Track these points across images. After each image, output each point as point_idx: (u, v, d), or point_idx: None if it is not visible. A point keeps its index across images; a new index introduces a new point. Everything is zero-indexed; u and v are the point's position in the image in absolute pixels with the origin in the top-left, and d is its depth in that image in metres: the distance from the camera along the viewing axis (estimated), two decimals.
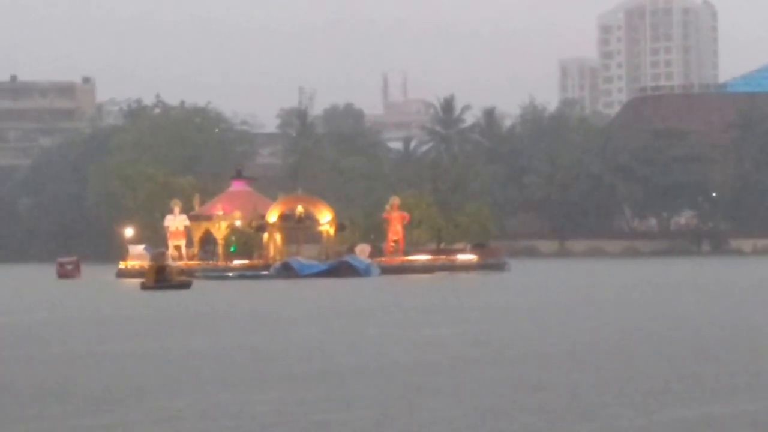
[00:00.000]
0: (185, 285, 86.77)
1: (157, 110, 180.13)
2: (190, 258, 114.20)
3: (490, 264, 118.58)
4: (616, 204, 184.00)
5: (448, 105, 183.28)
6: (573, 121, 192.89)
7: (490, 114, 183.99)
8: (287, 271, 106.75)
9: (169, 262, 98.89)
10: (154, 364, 35.71)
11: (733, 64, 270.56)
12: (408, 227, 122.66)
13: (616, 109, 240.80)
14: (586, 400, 25.43)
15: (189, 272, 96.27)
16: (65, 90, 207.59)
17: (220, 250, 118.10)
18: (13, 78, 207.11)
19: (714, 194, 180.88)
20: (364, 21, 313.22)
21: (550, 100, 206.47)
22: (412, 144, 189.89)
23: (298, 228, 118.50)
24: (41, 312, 64.20)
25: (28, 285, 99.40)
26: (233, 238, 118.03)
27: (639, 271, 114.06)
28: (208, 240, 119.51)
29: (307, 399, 26.70)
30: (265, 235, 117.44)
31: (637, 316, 54.10)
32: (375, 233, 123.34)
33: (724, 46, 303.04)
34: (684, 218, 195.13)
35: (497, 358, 34.77)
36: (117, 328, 51.67)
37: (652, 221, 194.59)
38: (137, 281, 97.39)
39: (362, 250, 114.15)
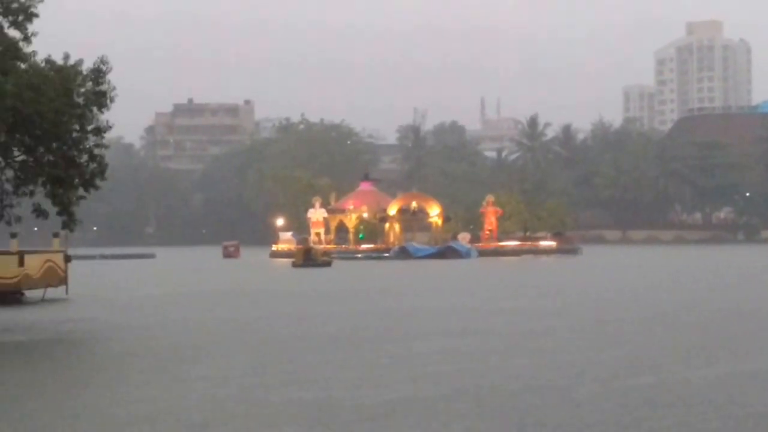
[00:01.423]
0: (327, 264, 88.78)
1: (301, 126, 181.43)
2: (327, 243, 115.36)
3: (566, 249, 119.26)
4: (668, 202, 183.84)
5: (533, 122, 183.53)
6: (634, 136, 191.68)
7: (567, 130, 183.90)
8: (404, 253, 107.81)
9: (313, 245, 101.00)
10: (342, 321, 36.94)
11: (763, 90, 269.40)
12: (500, 219, 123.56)
13: (669, 125, 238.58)
14: (648, 358, 27.01)
15: (327, 254, 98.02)
16: (230, 110, 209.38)
17: (350, 236, 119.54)
18: (190, 101, 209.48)
19: (748, 194, 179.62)
20: (468, 58, 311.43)
21: (615, 119, 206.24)
22: (504, 153, 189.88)
23: (412, 219, 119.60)
24: (227, 283, 65.76)
25: (201, 263, 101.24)
26: (361, 227, 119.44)
27: (687, 256, 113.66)
28: (341, 228, 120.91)
29: (460, 349, 28.50)
30: (386, 225, 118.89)
31: (685, 289, 54.34)
32: (474, 224, 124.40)
33: (757, 75, 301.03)
34: (723, 213, 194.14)
35: (575, 325, 35.26)
36: (293, 297, 52.58)
37: (698, 215, 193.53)
38: (287, 260, 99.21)
39: (464, 237, 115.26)
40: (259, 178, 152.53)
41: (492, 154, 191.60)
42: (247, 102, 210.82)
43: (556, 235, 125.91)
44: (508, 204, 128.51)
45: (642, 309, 42.01)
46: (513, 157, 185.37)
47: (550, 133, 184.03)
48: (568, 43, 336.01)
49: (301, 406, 19.93)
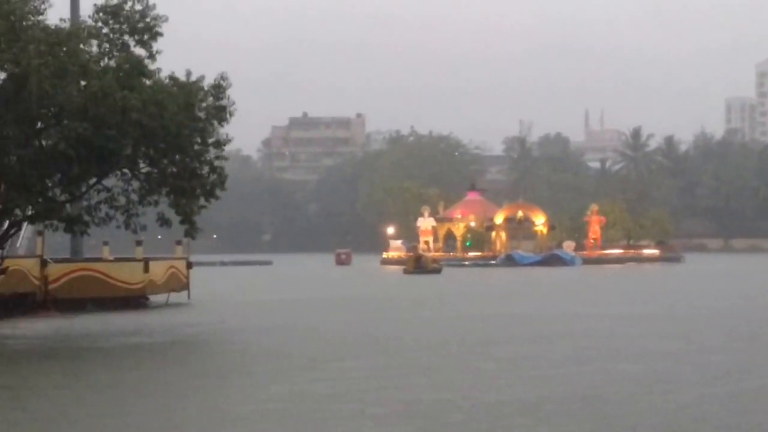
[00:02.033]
0: (437, 271, 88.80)
1: (411, 138, 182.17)
2: (436, 251, 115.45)
3: (669, 257, 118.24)
4: None
5: (636, 133, 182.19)
6: (735, 146, 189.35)
7: (669, 141, 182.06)
8: (509, 261, 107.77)
9: (423, 253, 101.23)
10: (452, 325, 37.10)
11: None
12: (604, 228, 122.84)
13: None
14: (747, 363, 26.63)
15: (437, 261, 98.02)
16: (342, 123, 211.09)
17: (458, 244, 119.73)
18: (305, 114, 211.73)
19: None
20: (572, 72, 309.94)
21: (717, 130, 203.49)
22: (608, 164, 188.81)
23: (518, 228, 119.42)
24: (345, 289, 66.05)
25: (315, 270, 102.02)
26: (468, 236, 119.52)
27: None
28: (449, 237, 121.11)
29: (564, 352, 28.33)
30: (493, 234, 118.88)
31: None
32: (578, 232, 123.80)
33: None
34: None
35: (679, 330, 34.90)
36: (407, 302, 52.60)
37: None
38: (397, 267, 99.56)
39: (568, 246, 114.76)
40: (371, 189, 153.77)
41: (596, 165, 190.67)
42: (358, 115, 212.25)
43: (659, 244, 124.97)
44: (612, 213, 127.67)
45: (745, 316, 41.32)
46: (616, 167, 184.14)
47: (653, 144, 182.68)
48: (670, 57, 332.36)
49: (418, 406, 19.90)
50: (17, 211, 40.15)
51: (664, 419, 18.32)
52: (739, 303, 49.73)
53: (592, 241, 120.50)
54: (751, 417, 18.35)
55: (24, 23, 38.79)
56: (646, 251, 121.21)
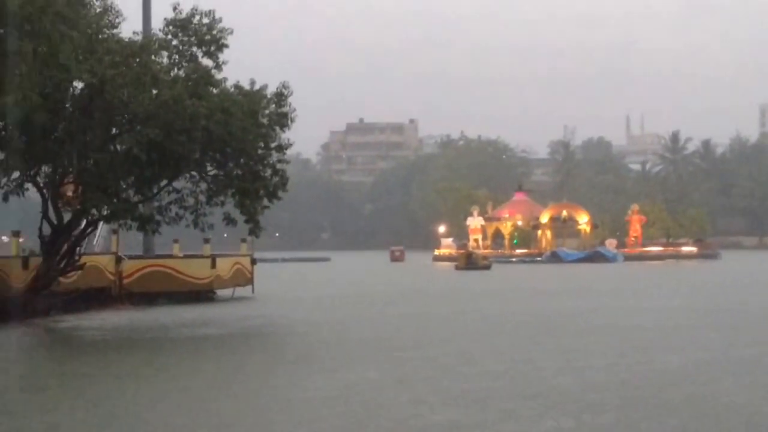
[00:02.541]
0: (487, 267, 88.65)
1: (461, 142, 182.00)
2: (485, 248, 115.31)
3: (706, 254, 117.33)
4: None
5: (674, 137, 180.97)
6: (766, 148, 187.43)
7: (706, 144, 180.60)
8: (555, 257, 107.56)
9: (473, 250, 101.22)
10: (502, 317, 36.94)
11: None
12: (644, 226, 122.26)
13: None
14: None
15: (486, 258, 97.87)
16: (396, 128, 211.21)
17: (506, 242, 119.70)
18: (361, 120, 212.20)
19: None
20: (614, 77, 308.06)
21: (752, 134, 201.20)
22: (648, 166, 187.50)
23: (563, 226, 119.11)
24: (400, 284, 65.94)
25: (371, 266, 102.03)
26: (516, 234, 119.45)
27: None
28: (497, 235, 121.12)
29: (608, 343, 28.15)
30: (539, 232, 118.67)
31: None
32: (620, 231, 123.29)
33: None
34: None
35: (718, 323, 34.87)
36: (463, 295, 52.90)
37: None
38: (448, 264, 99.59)
39: (610, 243, 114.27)
40: (423, 190, 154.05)
41: (636, 167, 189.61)
42: (411, 121, 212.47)
43: (697, 242, 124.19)
44: (652, 212, 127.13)
45: None
46: (656, 169, 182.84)
47: (691, 147, 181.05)
48: (709, 64, 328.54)
49: (471, 394, 20.05)
50: (94, 211, 40.78)
51: (701, 408, 18.50)
52: None
53: (633, 239, 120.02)
54: None
55: (100, 36, 39.43)
56: (685, 248, 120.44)
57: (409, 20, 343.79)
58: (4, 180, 40.07)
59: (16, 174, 40.08)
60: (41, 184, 40.71)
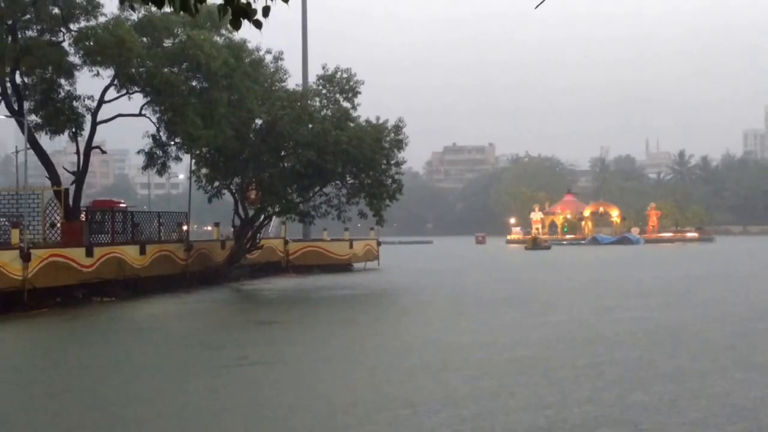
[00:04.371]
0: (547, 248, 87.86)
1: (526, 159, 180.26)
2: (543, 234, 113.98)
3: (704, 238, 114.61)
4: None
5: (681, 154, 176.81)
6: (750, 163, 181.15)
7: (704, 159, 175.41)
8: (594, 241, 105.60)
9: (537, 236, 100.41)
10: (566, 285, 35.94)
11: None
12: (659, 219, 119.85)
13: None
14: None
15: (546, 241, 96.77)
16: (479, 149, 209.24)
17: (558, 230, 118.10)
18: (454, 144, 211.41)
19: None
20: (641, 102, 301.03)
21: (737, 152, 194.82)
22: (661, 175, 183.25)
23: (600, 219, 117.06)
24: (484, 260, 65.36)
25: (462, 247, 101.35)
26: (566, 224, 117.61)
27: None
28: (552, 225, 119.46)
29: (635, 305, 27.87)
30: (583, 222, 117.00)
31: None
32: (641, 222, 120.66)
33: None
34: None
35: (719, 285, 34.41)
36: (533, 267, 51.74)
37: None
38: (517, 246, 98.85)
39: (634, 231, 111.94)
40: (498, 193, 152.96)
41: (653, 176, 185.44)
42: (490, 144, 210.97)
43: (698, 229, 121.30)
44: (665, 209, 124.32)
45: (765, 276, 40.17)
46: (668, 177, 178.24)
47: (693, 161, 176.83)
48: (708, 99, 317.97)
49: (539, 335, 20.09)
50: (269, 209, 41.65)
51: (719, 343, 18.34)
52: (758, 268, 48.35)
53: (651, 227, 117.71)
54: None
55: (273, 88, 40.35)
56: (689, 234, 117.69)
57: (501, 69, 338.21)
58: (209, 187, 41.29)
59: (216, 183, 41.33)
60: (233, 190, 41.77)
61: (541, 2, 5.22)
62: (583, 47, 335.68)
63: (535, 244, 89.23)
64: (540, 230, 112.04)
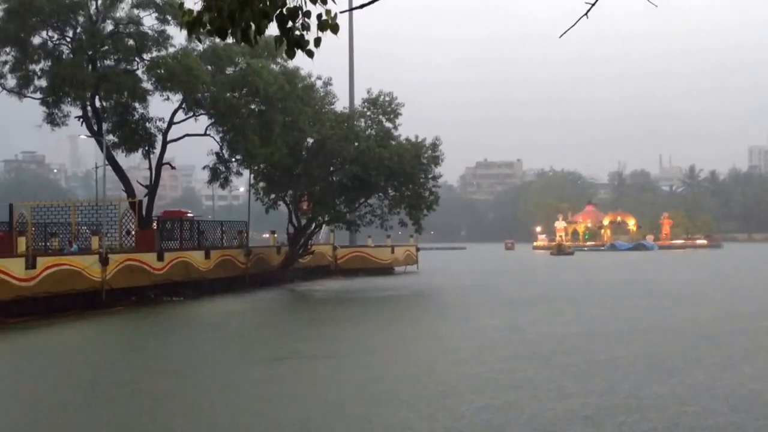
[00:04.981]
0: (571, 253, 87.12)
1: (550, 173, 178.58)
2: (566, 241, 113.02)
3: (713, 245, 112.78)
4: None
5: (691, 169, 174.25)
6: (755, 177, 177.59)
7: (713, 173, 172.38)
8: (612, 248, 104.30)
9: (561, 242, 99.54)
10: (587, 287, 35.64)
11: None
12: (672, 227, 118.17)
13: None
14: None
15: (570, 247, 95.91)
16: (508, 165, 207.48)
17: (580, 237, 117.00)
18: (485, 159, 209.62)
19: None
20: (651, 121, 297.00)
21: (743, 167, 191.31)
22: (674, 188, 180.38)
23: (617, 227, 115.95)
24: (513, 265, 65.57)
25: (492, 254, 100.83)
26: (587, 232, 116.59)
27: None
28: (575, 233, 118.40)
29: (649, 304, 27.76)
30: (602, 231, 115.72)
31: None
32: (655, 230, 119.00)
33: None
34: None
35: (724, 289, 34.22)
36: (558, 271, 51.38)
37: None
38: (543, 252, 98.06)
39: (649, 238, 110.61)
40: (525, 204, 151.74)
41: (666, 188, 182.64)
42: (518, 160, 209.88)
43: (707, 237, 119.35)
44: (676, 218, 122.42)
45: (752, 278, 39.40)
46: (679, 190, 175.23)
47: (702, 175, 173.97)
48: (718, 118, 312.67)
49: (565, 332, 19.92)
50: (319, 218, 41.81)
51: (725, 340, 18.09)
52: (762, 271, 47.45)
53: (664, 235, 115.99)
54: None
55: (323, 110, 40.56)
56: (698, 241, 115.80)
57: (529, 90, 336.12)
58: (266, 199, 41.57)
59: (272, 195, 41.61)
60: (287, 202, 42.01)
61: (566, 32, 5.23)
62: (602, 66, 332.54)
63: (559, 250, 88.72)
64: (563, 238, 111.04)
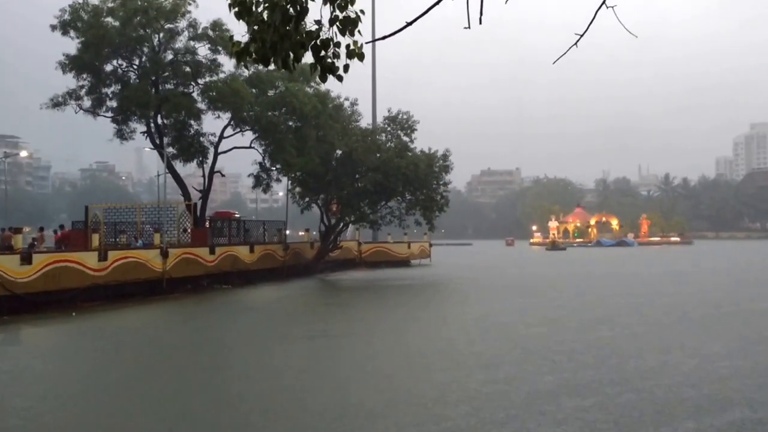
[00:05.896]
0: (563, 249, 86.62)
1: (545, 180, 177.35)
2: (558, 239, 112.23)
3: (685, 242, 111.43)
4: (740, 216, 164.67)
5: (666, 177, 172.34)
6: (722, 183, 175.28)
7: (684, 180, 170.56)
8: (598, 244, 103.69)
9: (555, 240, 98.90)
10: (576, 277, 35.15)
11: None
12: (649, 227, 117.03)
13: (741, 177, 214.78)
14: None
15: (562, 244, 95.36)
16: (508, 173, 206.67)
17: (571, 235, 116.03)
18: (488, 168, 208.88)
19: None
20: (632, 132, 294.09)
21: (710, 174, 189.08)
22: (651, 193, 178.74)
23: (603, 227, 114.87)
24: (514, 258, 64.22)
25: (493, 249, 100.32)
26: (576, 230, 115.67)
27: (750, 246, 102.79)
28: (566, 231, 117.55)
29: (639, 292, 27.33)
30: (589, 229, 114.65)
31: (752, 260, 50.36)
32: (635, 229, 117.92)
33: None
34: None
35: (697, 278, 33.53)
36: (554, 263, 50.74)
37: (758, 224, 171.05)
38: (539, 247, 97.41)
39: (630, 236, 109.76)
40: (523, 206, 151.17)
41: (644, 193, 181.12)
42: (517, 168, 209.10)
43: (680, 235, 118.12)
44: (653, 218, 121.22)
45: (737, 270, 38.84)
46: (656, 194, 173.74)
47: (676, 181, 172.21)
48: (689, 132, 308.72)
49: (559, 314, 19.76)
50: (347, 218, 41.83)
51: (700, 322, 17.86)
52: (728, 263, 46.88)
53: (643, 233, 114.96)
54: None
55: (350, 126, 40.59)
56: (672, 239, 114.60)
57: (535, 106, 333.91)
58: (301, 202, 41.66)
59: (306, 199, 41.69)
60: (319, 204, 42.06)
61: (558, 58, 5.26)
62: (590, 88, 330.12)
63: (553, 246, 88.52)
64: (556, 235, 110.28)
